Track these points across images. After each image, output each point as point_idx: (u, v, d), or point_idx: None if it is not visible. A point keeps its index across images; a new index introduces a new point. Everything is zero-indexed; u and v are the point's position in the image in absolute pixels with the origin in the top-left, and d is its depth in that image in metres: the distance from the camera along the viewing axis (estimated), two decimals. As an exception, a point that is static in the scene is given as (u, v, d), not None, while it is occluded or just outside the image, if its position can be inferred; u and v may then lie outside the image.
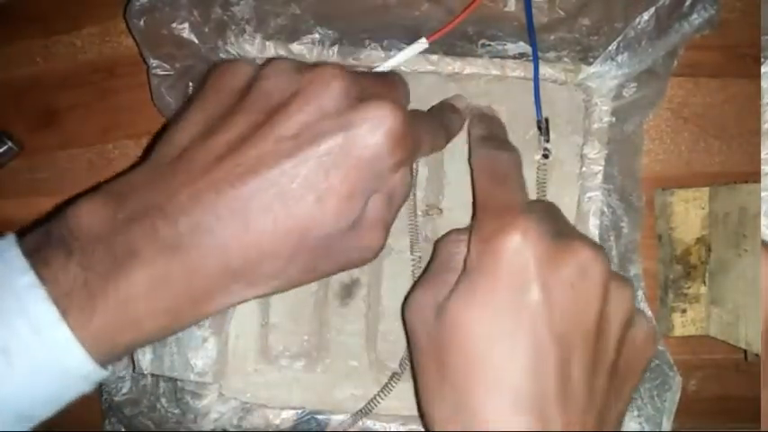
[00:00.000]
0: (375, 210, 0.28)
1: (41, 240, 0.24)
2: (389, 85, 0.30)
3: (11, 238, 0.24)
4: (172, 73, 0.35)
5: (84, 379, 0.24)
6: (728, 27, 0.37)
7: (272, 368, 0.37)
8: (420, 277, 0.31)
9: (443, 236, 0.31)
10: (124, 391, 0.37)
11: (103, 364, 0.24)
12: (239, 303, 0.27)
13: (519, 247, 0.25)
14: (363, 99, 0.26)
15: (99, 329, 0.23)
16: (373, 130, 0.25)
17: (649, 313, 0.35)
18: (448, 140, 0.33)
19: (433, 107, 0.35)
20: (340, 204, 0.25)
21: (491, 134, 0.33)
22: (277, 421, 0.36)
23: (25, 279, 0.23)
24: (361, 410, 0.35)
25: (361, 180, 0.26)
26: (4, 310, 0.22)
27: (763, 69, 0.31)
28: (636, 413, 0.35)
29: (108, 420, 0.37)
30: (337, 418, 0.36)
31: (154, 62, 0.35)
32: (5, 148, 0.38)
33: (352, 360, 0.36)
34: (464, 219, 0.36)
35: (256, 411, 0.36)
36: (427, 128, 0.31)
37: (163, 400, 0.36)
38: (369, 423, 0.36)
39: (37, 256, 0.23)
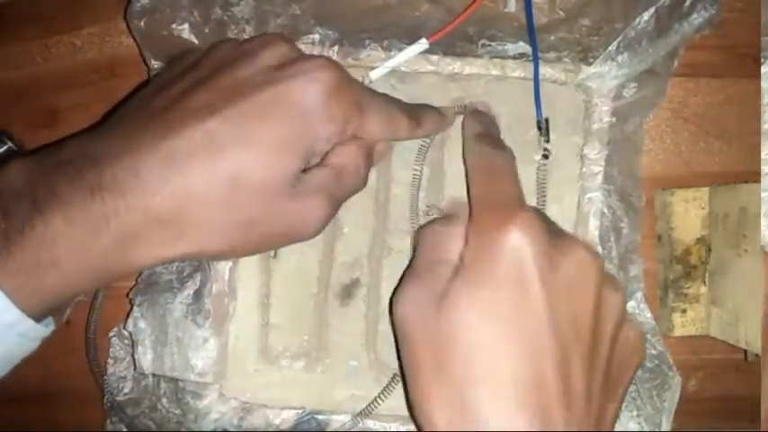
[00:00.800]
0: (318, 179, 0.28)
1: None
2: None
3: None
4: (172, 73, 0.35)
5: (12, 330, 0.23)
6: (728, 27, 0.37)
7: (273, 368, 0.37)
8: (407, 271, 0.30)
9: (425, 225, 0.31)
10: (126, 390, 0.36)
11: (34, 315, 0.24)
12: (175, 259, 0.26)
13: (518, 242, 0.25)
14: (300, 58, 0.28)
15: (17, 271, 0.23)
16: (308, 81, 0.26)
17: (648, 314, 0.35)
18: (414, 130, 0.33)
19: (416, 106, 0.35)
20: (271, 153, 0.26)
21: (485, 131, 0.33)
22: (277, 421, 0.36)
23: None
24: (362, 412, 0.36)
25: (294, 131, 0.26)
26: None
27: (763, 69, 0.31)
28: (635, 413, 0.35)
29: (110, 420, 0.37)
30: (337, 418, 0.36)
31: (154, 63, 0.35)
32: (5, 148, 0.38)
33: (352, 360, 0.36)
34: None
35: (256, 411, 0.36)
36: (380, 103, 0.31)
37: (164, 401, 0.36)
38: (369, 423, 0.36)
39: None
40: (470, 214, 0.28)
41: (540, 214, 0.26)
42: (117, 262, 0.25)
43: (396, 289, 0.29)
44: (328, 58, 0.28)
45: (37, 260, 0.23)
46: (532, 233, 0.25)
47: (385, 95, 0.33)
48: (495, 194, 0.28)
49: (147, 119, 0.25)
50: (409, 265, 0.30)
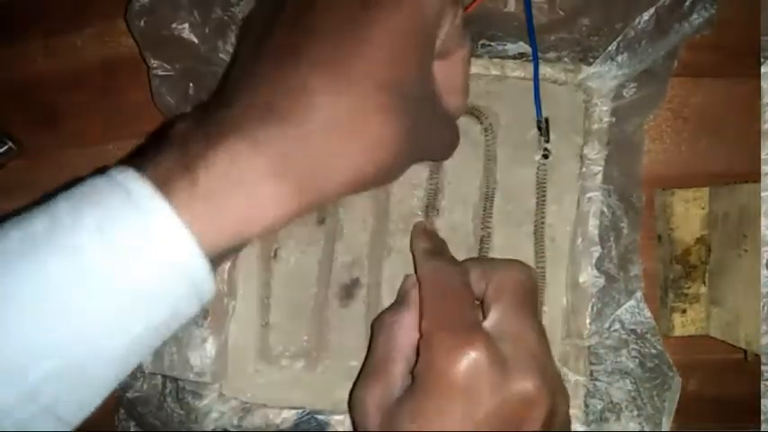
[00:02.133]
0: (444, 76, 0.27)
1: (142, 151, 0.23)
2: None
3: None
4: (172, 74, 0.35)
5: (187, 277, 0.21)
6: (728, 27, 0.37)
7: (273, 368, 0.37)
8: (363, 366, 0.32)
9: (378, 316, 0.32)
10: (136, 388, 0.37)
11: (215, 249, 0.22)
12: (348, 194, 0.25)
13: (471, 372, 0.26)
14: None
15: (203, 201, 0.21)
16: None
17: (648, 314, 0.35)
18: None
19: None
20: (411, 58, 0.24)
21: (437, 248, 0.34)
22: (277, 421, 0.36)
23: (123, 172, 0.21)
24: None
25: (416, 29, 0.25)
26: (100, 194, 0.21)
27: (763, 69, 0.31)
28: (635, 413, 0.35)
29: (118, 416, 0.37)
30: (337, 418, 0.36)
31: (154, 63, 0.35)
32: (5, 148, 0.38)
33: (352, 360, 0.36)
34: (464, 219, 0.37)
35: (257, 411, 0.36)
36: None
37: (169, 400, 0.36)
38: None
39: (137, 158, 0.22)
40: (423, 331, 0.28)
41: (491, 342, 0.27)
42: (309, 191, 0.23)
43: (353, 385, 0.31)
44: None
45: (224, 189, 0.21)
46: (485, 362, 0.26)
47: None
48: (448, 317, 0.28)
49: (300, 40, 0.24)
50: (365, 359, 0.32)
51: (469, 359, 0.26)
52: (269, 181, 0.22)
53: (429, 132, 0.28)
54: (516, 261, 0.32)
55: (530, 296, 0.30)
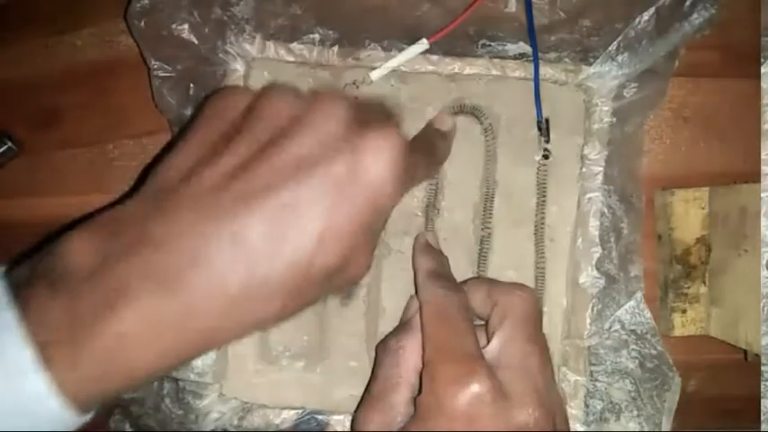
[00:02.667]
0: (366, 239, 0.27)
1: (29, 275, 0.22)
2: (387, 114, 0.30)
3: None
4: (173, 74, 0.35)
5: (62, 424, 0.22)
6: (728, 27, 0.37)
7: (273, 368, 0.37)
8: (366, 391, 0.32)
9: (383, 341, 0.32)
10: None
11: (90, 409, 0.22)
12: (241, 339, 0.25)
13: (472, 405, 0.26)
14: (364, 126, 0.25)
15: (85, 377, 0.21)
16: (377, 158, 0.24)
17: (648, 314, 0.35)
18: (437, 169, 0.34)
19: (418, 135, 0.34)
20: (344, 239, 0.24)
21: (439, 270, 0.33)
22: (277, 421, 0.36)
23: (6, 316, 0.21)
24: None
25: (366, 212, 0.25)
26: None
27: (763, 69, 0.31)
28: (635, 413, 0.35)
29: (113, 417, 0.37)
30: (337, 418, 0.36)
31: (155, 63, 0.35)
32: (5, 148, 0.38)
33: (351, 360, 0.36)
34: (463, 219, 0.37)
35: (257, 411, 0.36)
36: (421, 160, 0.31)
37: (167, 401, 0.36)
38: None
39: (23, 293, 0.22)
40: (425, 360, 0.29)
41: (491, 373, 0.27)
42: (187, 356, 0.24)
43: (356, 409, 0.31)
44: (390, 124, 0.26)
45: (108, 367, 0.22)
46: (486, 395, 0.26)
47: (420, 147, 0.32)
48: (449, 348, 0.28)
49: (207, 196, 0.23)
50: (370, 380, 0.32)
51: (471, 391, 0.26)
52: (150, 360, 0.23)
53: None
54: (520, 285, 0.32)
55: (533, 323, 0.30)
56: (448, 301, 0.30)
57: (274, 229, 0.23)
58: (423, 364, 0.29)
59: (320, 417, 0.36)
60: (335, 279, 0.26)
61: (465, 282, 0.33)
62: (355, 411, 0.31)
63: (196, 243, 0.22)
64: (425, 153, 0.32)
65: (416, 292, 0.33)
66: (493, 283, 0.33)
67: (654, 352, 0.35)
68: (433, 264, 0.33)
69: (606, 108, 0.36)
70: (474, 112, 0.36)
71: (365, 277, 0.36)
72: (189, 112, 0.35)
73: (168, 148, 0.27)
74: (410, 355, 0.30)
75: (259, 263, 0.23)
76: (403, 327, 0.32)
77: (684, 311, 0.37)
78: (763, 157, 0.30)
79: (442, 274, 0.33)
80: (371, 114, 0.27)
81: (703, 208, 0.37)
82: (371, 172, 0.24)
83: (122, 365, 0.22)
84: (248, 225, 0.23)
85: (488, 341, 0.29)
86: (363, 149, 0.24)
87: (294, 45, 0.36)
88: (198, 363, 0.35)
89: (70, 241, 0.23)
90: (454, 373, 0.27)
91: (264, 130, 0.25)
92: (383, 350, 0.31)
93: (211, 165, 0.24)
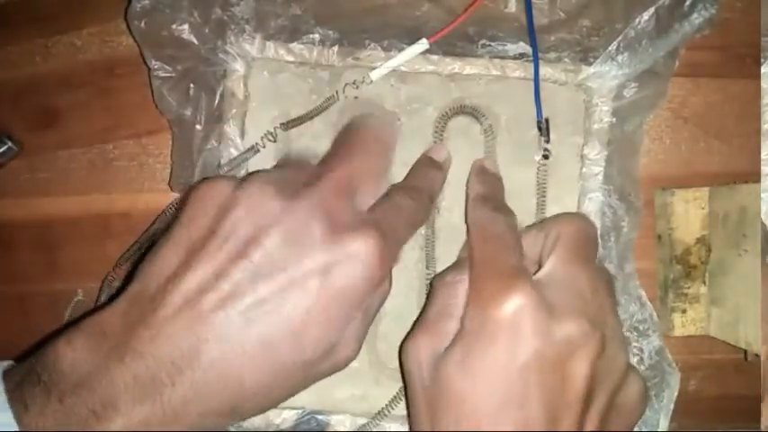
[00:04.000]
0: (352, 330, 0.28)
1: (25, 378, 0.24)
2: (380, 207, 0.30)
3: None
4: (173, 75, 0.35)
5: None
6: (728, 27, 0.37)
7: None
8: (420, 318, 0.31)
9: (440, 274, 0.32)
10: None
11: None
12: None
13: (515, 314, 0.26)
14: (342, 230, 0.26)
15: None
16: (354, 268, 0.25)
17: (650, 311, 0.35)
18: (432, 205, 0.34)
19: (411, 170, 0.34)
20: (321, 338, 0.26)
21: (490, 194, 0.33)
22: (277, 421, 0.36)
23: (4, 416, 0.22)
24: (369, 422, 0.36)
25: (342, 312, 0.26)
26: None
27: (763, 69, 0.31)
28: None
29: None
30: (337, 418, 0.36)
31: (155, 64, 0.35)
32: (5, 148, 0.38)
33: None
34: (463, 219, 0.36)
35: (257, 411, 0.36)
36: (406, 219, 0.31)
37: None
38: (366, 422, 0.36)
39: (17, 395, 0.23)
40: (470, 279, 0.29)
41: (537, 286, 0.27)
42: None
43: (408, 333, 0.31)
44: (369, 228, 0.26)
45: None
46: (529, 305, 0.26)
47: (405, 205, 0.31)
48: (494, 262, 0.28)
49: (183, 306, 0.24)
50: (422, 312, 0.31)
51: (513, 303, 0.26)
52: None
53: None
54: (576, 213, 0.32)
55: (585, 242, 0.30)
56: (494, 222, 0.30)
57: (248, 338, 0.24)
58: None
59: (320, 417, 0.36)
60: (312, 370, 0.27)
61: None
62: (404, 341, 0.30)
63: (175, 352, 0.24)
64: (420, 193, 0.32)
65: (465, 217, 0.33)
66: (549, 217, 0.33)
67: (653, 347, 0.35)
68: (482, 188, 0.33)
69: (606, 108, 0.36)
70: (474, 112, 0.36)
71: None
72: (189, 112, 0.35)
73: (159, 241, 0.27)
74: (463, 290, 0.29)
75: (236, 369, 0.24)
76: (461, 263, 0.31)
77: (684, 311, 0.37)
78: (763, 157, 0.30)
79: (490, 197, 0.33)
80: (350, 213, 0.27)
81: (703, 208, 0.37)
82: (346, 282, 0.25)
83: None
84: (222, 337, 0.24)
85: (539, 268, 0.29)
86: (337, 263, 0.25)
87: (294, 45, 0.36)
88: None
89: (62, 347, 0.24)
90: (497, 285, 0.27)
91: (237, 237, 0.25)
92: (441, 283, 0.31)
93: (188, 272, 0.25)
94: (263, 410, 0.27)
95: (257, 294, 0.24)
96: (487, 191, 0.33)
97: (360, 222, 0.27)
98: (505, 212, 0.32)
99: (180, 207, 0.27)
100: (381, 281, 0.27)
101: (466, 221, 0.33)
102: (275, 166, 0.32)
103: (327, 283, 0.25)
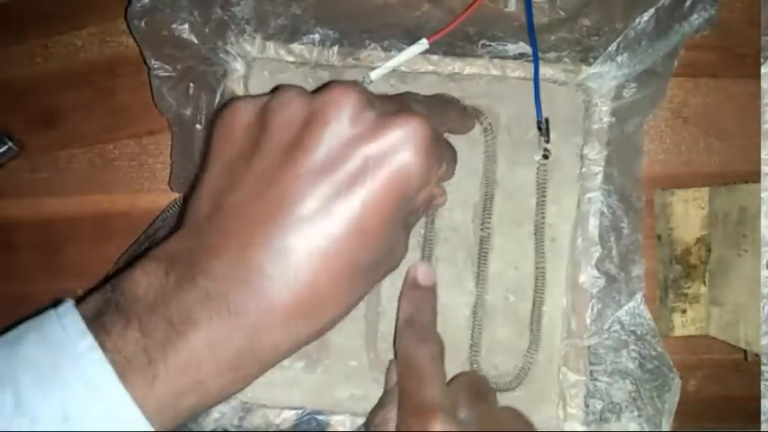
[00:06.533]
0: (405, 228, 0.28)
1: (100, 307, 0.24)
2: (402, 100, 0.29)
3: (69, 304, 0.24)
4: (173, 74, 0.35)
5: None
6: (728, 27, 0.37)
7: (273, 368, 0.37)
8: None
9: (372, 413, 0.32)
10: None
11: (167, 428, 0.23)
12: (303, 347, 0.26)
13: None
14: (381, 114, 0.25)
15: (162, 396, 0.22)
16: (403, 146, 0.24)
17: (648, 315, 0.35)
18: (454, 168, 0.33)
19: (434, 100, 0.34)
20: (383, 233, 0.25)
21: (416, 318, 0.33)
22: (277, 421, 0.36)
23: (84, 343, 0.22)
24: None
25: (398, 206, 0.25)
26: (64, 376, 0.22)
27: (763, 69, 0.31)
28: (636, 413, 0.35)
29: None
30: (337, 419, 0.36)
31: (155, 63, 0.35)
32: (5, 148, 0.38)
33: (352, 360, 0.36)
34: (464, 219, 0.37)
35: (257, 411, 0.36)
36: (448, 149, 0.31)
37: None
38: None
39: (96, 323, 0.23)
40: (398, 413, 0.30)
41: (449, 421, 0.28)
42: (257, 369, 0.25)
43: None
44: (412, 113, 0.25)
45: (182, 385, 0.23)
46: None
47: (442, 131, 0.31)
48: (415, 398, 0.29)
49: (241, 220, 0.24)
50: None
51: None
52: (223, 378, 0.24)
53: (382, 270, 0.29)
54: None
55: (479, 389, 0.32)
56: (416, 353, 0.31)
57: (311, 240, 0.24)
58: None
59: (320, 417, 0.36)
60: (377, 270, 0.27)
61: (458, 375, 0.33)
62: None
63: (241, 268, 0.23)
64: (447, 145, 0.32)
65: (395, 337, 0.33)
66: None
67: (654, 353, 0.35)
68: (410, 309, 0.33)
69: (606, 108, 0.36)
70: (474, 113, 0.36)
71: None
72: (189, 112, 0.35)
73: (199, 168, 0.27)
74: (390, 423, 0.30)
75: (306, 275, 0.24)
76: (390, 395, 0.32)
77: (684, 311, 0.37)
78: (763, 156, 0.30)
79: (416, 323, 0.32)
80: (383, 102, 0.27)
81: (703, 208, 0.37)
82: (398, 167, 0.24)
83: (195, 384, 0.23)
84: (284, 243, 0.23)
85: None
86: (385, 144, 0.24)
87: (294, 45, 0.36)
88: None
89: (135, 273, 0.24)
90: (417, 421, 0.28)
91: (278, 142, 0.25)
92: (372, 425, 0.31)
93: (235, 189, 0.25)
94: (337, 320, 0.27)
95: (316, 196, 0.24)
96: (414, 313, 0.33)
97: (405, 111, 0.26)
98: (428, 340, 0.32)
99: (210, 134, 0.27)
100: (431, 170, 0.26)
101: (394, 346, 0.33)
102: None
103: (382, 173, 0.24)
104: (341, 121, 0.24)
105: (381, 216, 0.24)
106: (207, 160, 0.27)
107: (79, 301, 0.24)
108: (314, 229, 0.24)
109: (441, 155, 0.28)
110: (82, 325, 0.22)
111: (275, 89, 0.27)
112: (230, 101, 0.27)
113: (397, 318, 0.33)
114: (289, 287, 0.24)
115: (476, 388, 0.31)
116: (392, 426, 0.30)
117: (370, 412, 0.33)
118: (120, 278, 0.24)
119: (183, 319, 0.23)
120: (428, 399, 0.29)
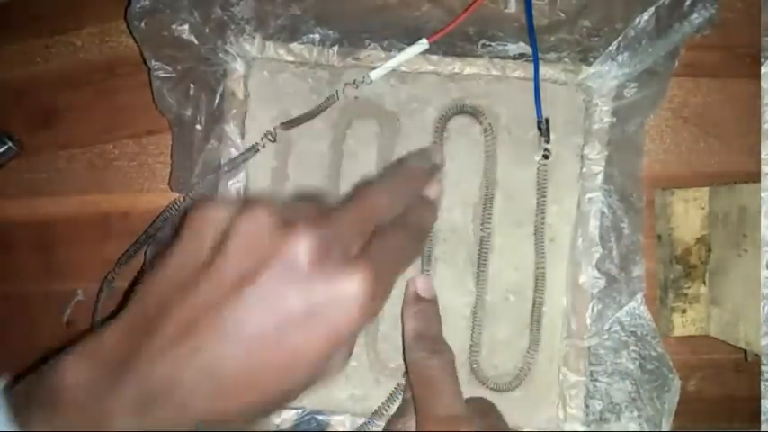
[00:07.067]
0: (339, 355, 0.28)
1: (27, 394, 0.24)
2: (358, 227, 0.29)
3: (1, 386, 0.24)
4: (173, 74, 0.35)
5: None
6: (728, 27, 0.37)
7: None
8: None
9: (390, 422, 0.33)
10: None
11: None
12: None
13: None
14: (337, 269, 0.25)
15: None
16: (347, 307, 0.25)
17: (648, 315, 0.35)
18: (424, 240, 0.33)
19: (402, 216, 0.31)
20: (308, 371, 0.26)
21: (424, 330, 0.33)
22: (277, 421, 0.36)
23: None
24: (367, 422, 0.36)
25: (332, 347, 0.26)
26: None
27: (763, 69, 0.31)
28: (636, 413, 0.35)
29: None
30: (337, 418, 0.36)
31: (155, 64, 0.35)
32: (5, 148, 0.38)
33: (352, 360, 0.36)
34: (464, 219, 0.37)
35: (257, 411, 0.36)
36: (399, 257, 0.30)
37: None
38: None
39: (20, 411, 0.23)
40: (417, 425, 0.30)
41: (472, 427, 0.29)
42: None
43: None
44: (363, 263, 0.26)
45: None
46: None
47: (393, 243, 0.29)
48: (434, 409, 0.30)
49: (181, 328, 0.25)
50: None
51: None
52: None
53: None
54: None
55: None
56: (429, 365, 0.32)
57: (241, 363, 0.24)
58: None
59: (320, 417, 0.36)
60: (312, 382, 0.27)
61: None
62: None
63: (170, 374, 0.24)
64: (413, 230, 0.31)
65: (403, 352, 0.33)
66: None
67: (654, 353, 0.35)
68: (417, 323, 0.33)
69: (606, 108, 0.36)
70: (474, 112, 0.36)
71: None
72: (189, 112, 0.35)
73: (154, 263, 0.27)
74: None
75: (228, 391, 0.25)
76: (406, 405, 0.33)
77: (684, 311, 0.37)
78: (763, 157, 0.30)
79: (425, 335, 0.33)
80: (342, 239, 0.27)
81: (703, 208, 0.37)
82: (340, 320, 0.25)
83: None
84: (215, 359, 0.24)
85: None
86: (332, 301, 0.25)
87: (294, 45, 0.36)
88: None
89: (64, 365, 0.25)
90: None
91: (232, 266, 0.25)
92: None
93: (186, 299, 0.25)
94: (255, 423, 0.27)
95: (249, 328, 0.25)
96: (422, 326, 0.33)
97: (354, 262, 0.26)
98: (440, 351, 0.32)
99: (178, 229, 0.27)
100: (373, 316, 0.27)
101: (404, 359, 0.33)
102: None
103: (320, 321, 0.25)
104: (295, 266, 0.25)
105: (308, 360, 0.25)
106: (167, 257, 0.27)
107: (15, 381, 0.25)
108: (240, 359, 0.24)
109: (386, 288, 0.28)
110: (8, 414, 0.23)
111: (247, 201, 0.26)
112: (202, 202, 0.27)
113: (403, 332, 0.33)
114: (211, 399, 0.24)
115: (481, 407, 0.33)
116: None
117: (388, 422, 0.33)
118: (49, 367, 0.25)
119: (101, 422, 0.23)
120: (448, 409, 0.30)
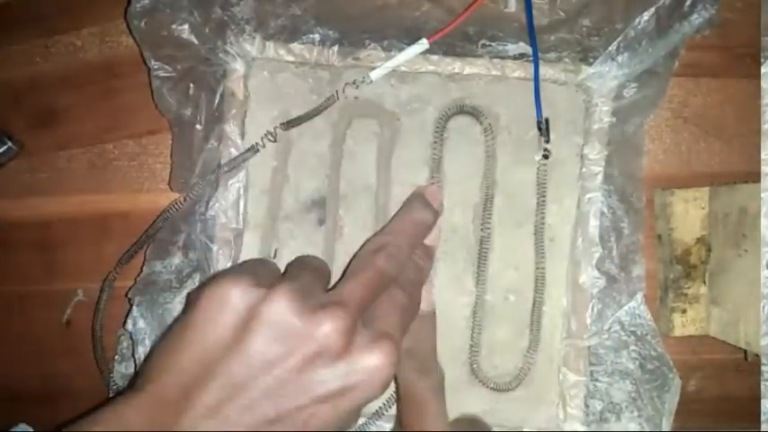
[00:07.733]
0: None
1: None
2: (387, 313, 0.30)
3: None
4: (173, 74, 0.35)
5: None
6: (728, 27, 0.37)
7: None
8: None
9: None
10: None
11: None
12: None
13: None
14: (360, 342, 0.26)
15: None
16: (372, 382, 0.26)
17: (648, 315, 0.35)
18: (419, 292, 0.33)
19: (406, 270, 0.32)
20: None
21: (415, 349, 0.33)
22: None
23: None
24: (366, 422, 0.36)
25: (361, 409, 0.27)
26: None
27: (763, 69, 0.31)
28: (636, 413, 0.35)
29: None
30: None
31: (155, 64, 0.35)
32: (5, 148, 0.38)
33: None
34: (464, 219, 0.37)
35: (257, 411, 0.36)
36: (405, 318, 0.30)
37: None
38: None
39: None
40: None
41: None
42: None
43: None
44: (383, 342, 0.27)
45: None
46: None
47: (398, 307, 0.30)
48: (419, 426, 0.31)
49: (210, 413, 0.25)
50: None
51: None
52: None
53: None
54: None
55: None
56: (416, 385, 0.32)
57: None
58: None
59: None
60: None
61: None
62: None
63: None
64: (415, 287, 0.32)
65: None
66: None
67: (654, 353, 0.35)
68: (411, 341, 0.33)
69: (606, 108, 0.36)
70: (474, 112, 0.36)
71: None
72: (189, 112, 0.35)
73: (167, 337, 0.27)
74: None
75: None
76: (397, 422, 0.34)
77: (684, 311, 0.37)
78: (763, 157, 0.30)
79: (418, 353, 0.33)
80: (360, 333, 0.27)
81: (703, 208, 0.37)
82: (364, 395, 0.26)
83: None
84: None
85: None
86: (355, 381, 0.26)
87: (294, 45, 0.36)
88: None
89: None
90: None
91: (259, 351, 0.25)
92: None
93: (211, 382, 0.25)
94: None
95: (278, 410, 0.25)
96: (414, 345, 0.33)
97: (377, 336, 0.27)
98: (429, 371, 0.33)
99: (193, 304, 0.27)
100: (391, 377, 0.28)
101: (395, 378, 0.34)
102: (292, 266, 0.31)
103: (352, 395, 0.26)
104: (327, 349, 0.26)
105: (345, 424, 0.27)
106: (182, 335, 0.26)
107: None
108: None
109: (401, 343, 0.29)
110: None
111: (272, 287, 0.27)
112: (221, 278, 0.27)
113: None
114: None
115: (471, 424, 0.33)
116: None
117: None
118: None
119: None
120: (437, 427, 0.31)
